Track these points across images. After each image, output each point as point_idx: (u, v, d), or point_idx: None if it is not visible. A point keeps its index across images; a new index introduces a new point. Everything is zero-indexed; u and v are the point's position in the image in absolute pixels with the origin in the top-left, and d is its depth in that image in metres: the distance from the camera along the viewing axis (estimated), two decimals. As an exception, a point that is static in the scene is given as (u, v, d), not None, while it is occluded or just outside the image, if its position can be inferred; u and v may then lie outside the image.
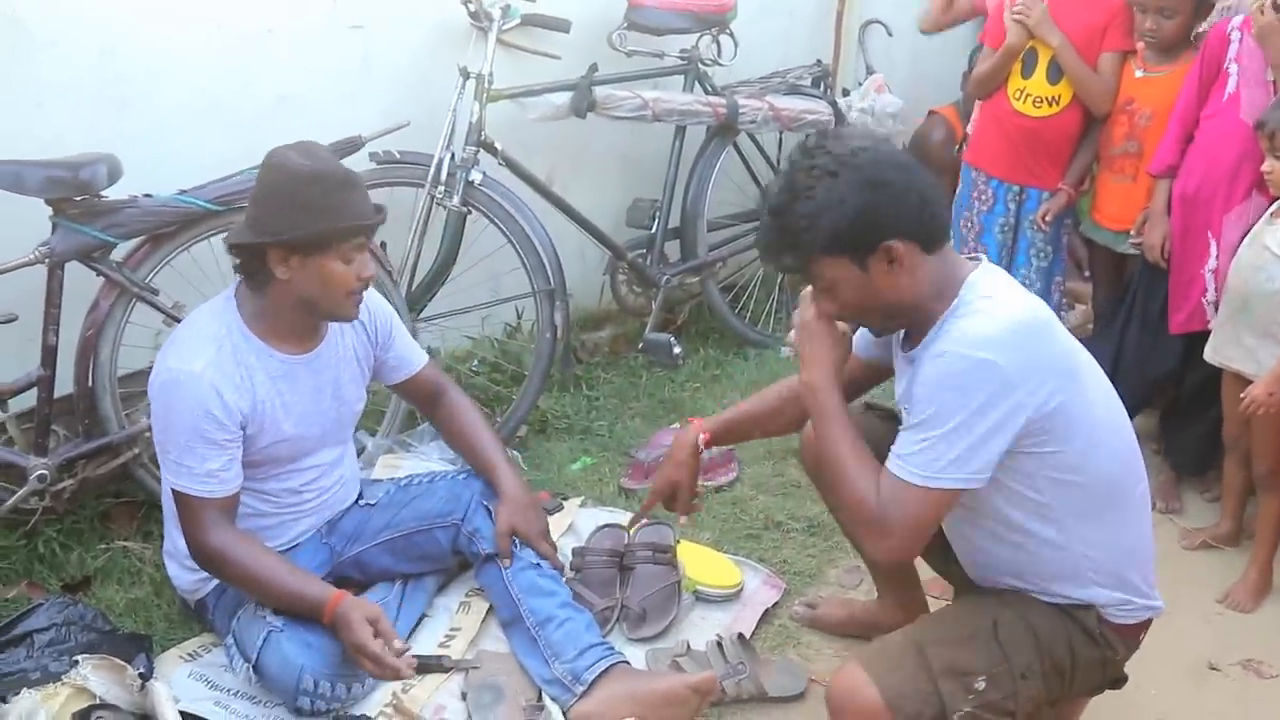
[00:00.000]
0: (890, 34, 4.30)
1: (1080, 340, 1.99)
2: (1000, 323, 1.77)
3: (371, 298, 2.35)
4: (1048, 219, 3.33)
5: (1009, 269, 3.36)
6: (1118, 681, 2.07)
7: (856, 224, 1.76)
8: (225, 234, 2.27)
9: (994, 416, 1.73)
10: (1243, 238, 2.73)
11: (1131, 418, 3.21)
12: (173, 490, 2.14)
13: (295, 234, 2.05)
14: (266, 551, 2.19)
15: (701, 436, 2.32)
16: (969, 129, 3.77)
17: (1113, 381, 3.09)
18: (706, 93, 3.74)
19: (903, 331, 1.97)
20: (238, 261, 2.16)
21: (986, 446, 1.75)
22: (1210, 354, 2.79)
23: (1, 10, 2.59)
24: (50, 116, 2.69)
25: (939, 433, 1.75)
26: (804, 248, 1.82)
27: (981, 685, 1.85)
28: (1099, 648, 1.95)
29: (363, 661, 2.07)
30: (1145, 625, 2.00)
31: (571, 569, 2.59)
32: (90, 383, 2.62)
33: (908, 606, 2.43)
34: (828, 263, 1.82)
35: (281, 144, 2.16)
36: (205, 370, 2.08)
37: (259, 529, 2.27)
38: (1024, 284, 3.26)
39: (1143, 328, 3.09)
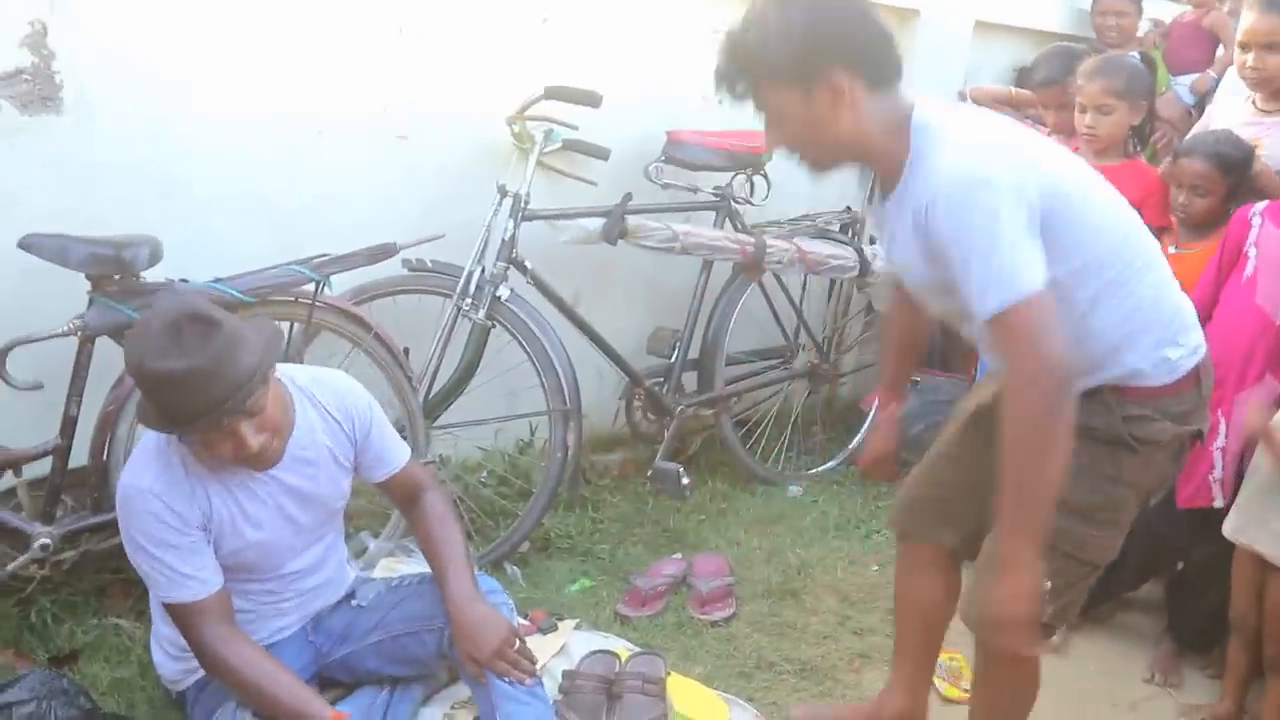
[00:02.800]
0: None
1: None
2: (971, 145, 1.86)
3: (351, 393, 2.32)
4: None
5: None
6: (1197, 436, 2.11)
7: (801, 50, 1.82)
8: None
9: (1019, 214, 1.80)
10: None
11: (1137, 588, 3.24)
12: (166, 606, 2.13)
13: (144, 422, 2.04)
14: (267, 658, 2.15)
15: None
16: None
17: (1111, 564, 3.09)
18: (736, 230, 3.82)
19: (873, 186, 2.14)
20: None
21: (1031, 239, 1.81)
22: (1230, 532, 2.76)
23: (70, 89, 2.71)
24: (100, 194, 2.79)
25: (989, 258, 1.79)
26: (752, 73, 1.87)
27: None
28: (1147, 421, 2.02)
29: None
30: (1194, 375, 2.05)
31: (560, 691, 2.56)
32: (105, 456, 2.64)
33: (915, 690, 2.53)
34: (774, 90, 1.87)
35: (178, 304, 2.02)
36: (153, 484, 2.07)
37: (239, 622, 2.23)
38: None
39: (1151, 499, 3.09)
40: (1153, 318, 2.02)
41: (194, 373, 1.91)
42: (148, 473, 2.08)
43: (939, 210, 1.83)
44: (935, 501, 2.39)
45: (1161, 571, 3.24)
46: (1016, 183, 1.82)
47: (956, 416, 2.43)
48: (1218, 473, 2.88)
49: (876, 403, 2.65)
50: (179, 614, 2.11)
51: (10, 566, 2.56)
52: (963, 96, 4.61)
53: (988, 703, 2.32)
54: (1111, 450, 2.04)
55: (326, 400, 2.28)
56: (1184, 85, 4.65)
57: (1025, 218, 1.81)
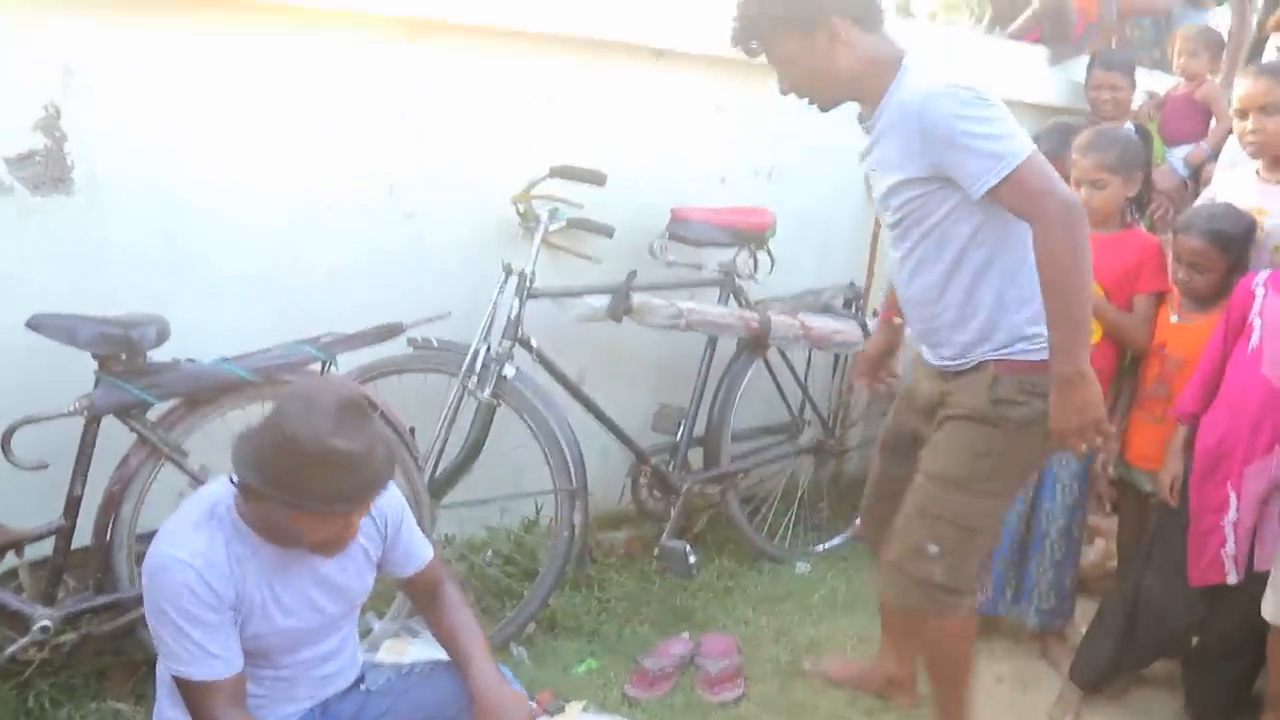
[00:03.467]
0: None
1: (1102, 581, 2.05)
2: (951, 73, 2.33)
3: (384, 490, 2.31)
4: (1107, 468, 3.33)
5: (1035, 502, 3.36)
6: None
7: (800, 2, 2.33)
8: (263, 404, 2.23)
9: (995, 104, 2.31)
10: (1265, 490, 2.73)
11: (1150, 664, 3.20)
12: (179, 681, 2.07)
13: (281, 495, 1.96)
14: None
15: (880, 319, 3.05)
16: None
17: (1129, 626, 3.06)
18: (741, 306, 3.84)
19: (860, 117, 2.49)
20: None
21: (1000, 119, 2.29)
22: (1272, 614, 2.74)
23: (82, 170, 2.74)
24: (110, 273, 2.81)
25: (981, 132, 2.26)
26: (762, 27, 2.37)
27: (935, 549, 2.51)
28: (1015, 405, 2.45)
29: None
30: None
31: (567, 775, 2.52)
32: (108, 537, 2.63)
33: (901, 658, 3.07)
34: (781, 39, 2.37)
35: (319, 384, 2.13)
36: (193, 558, 2.02)
37: (249, 707, 2.17)
38: (1047, 518, 3.31)
39: (1161, 574, 3.05)
40: (1031, 293, 2.36)
41: (361, 458, 1.95)
42: (188, 545, 2.04)
43: (932, 110, 2.27)
44: (884, 514, 2.74)
45: (1176, 648, 3.19)
46: (970, 87, 2.30)
47: (881, 444, 2.94)
48: (1230, 548, 2.85)
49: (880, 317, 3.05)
50: (193, 692, 2.05)
51: (9, 650, 2.52)
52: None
53: (930, 676, 2.84)
54: (979, 427, 2.49)
55: None
56: (1179, 157, 4.71)
57: (988, 105, 2.29)
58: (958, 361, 2.55)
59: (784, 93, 2.47)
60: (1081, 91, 4.74)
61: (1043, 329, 2.37)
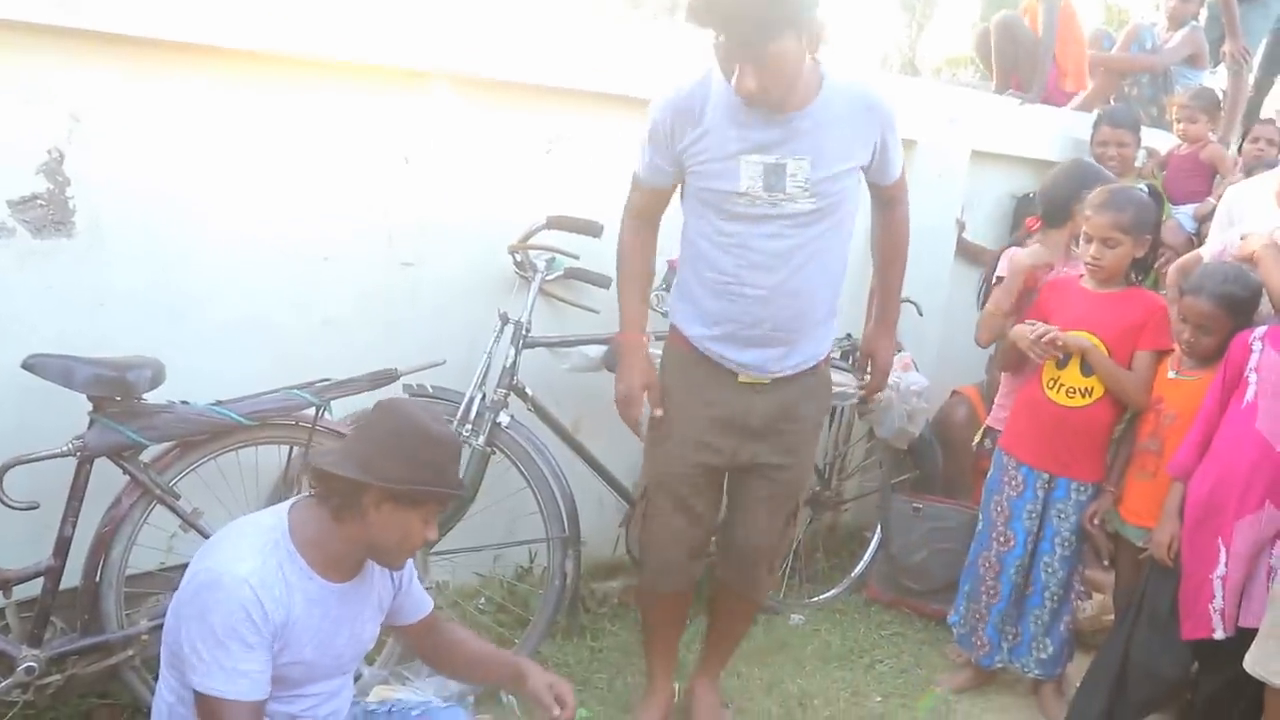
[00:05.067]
0: (921, 314, 4.43)
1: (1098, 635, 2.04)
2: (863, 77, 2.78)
3: None
4: (1095, 521, 3.33)
5: (1034, 555, 3.36)
6: None
7: (806, 4, 2.49)
8: (313, 458, 2.26)
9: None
10: (1254, 546, 2.71)
11: (1142, 719, 3.17)
12: (201, 697, 2.05)
13: (407, 487, 2.09)
14: None
15: (644, 341, 2.94)
16: (991, 410, 3.85)
17: (1121, 680, 3.03)
18: (737, 358, 3.84)
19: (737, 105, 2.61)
20: (321, 487, 2.16)
21: None
22: (1252, 665, 2.71)
23: (83, 214, 2.78)
24: (108, 317, 2.83)
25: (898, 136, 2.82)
26: (777, 22, 2.42)
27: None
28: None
29: None
30: None
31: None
32: (98, 578, 2.63)
33: None
34: (785, 36, 2.43)
35: (397, 396, 2.47)
36: (250, 576, 2.05)
37: None
38: (1046, 571, 3.31)
39: (1151, 627, 3.03)
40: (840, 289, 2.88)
41: (456, 445, 2.23)
42: (248, 563, 2.06)
43: (882, 98, 2.73)
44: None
45: (1167, 702, 3.17)
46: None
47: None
48: (1218, 602, 2.83)
49: (630, 342, 2.94)
50: (214, 712, 2.04)
51: (-6, 691, 2.52)
52: (960, 226, 4.69)
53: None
54: (819, 426, 3.06)
55: None
56: (1185, 213, 4.74)
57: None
58: (802, 363, 2.84)
59: (747, 92, 2.49)
60: (1085, 148, 4.79)
61: None
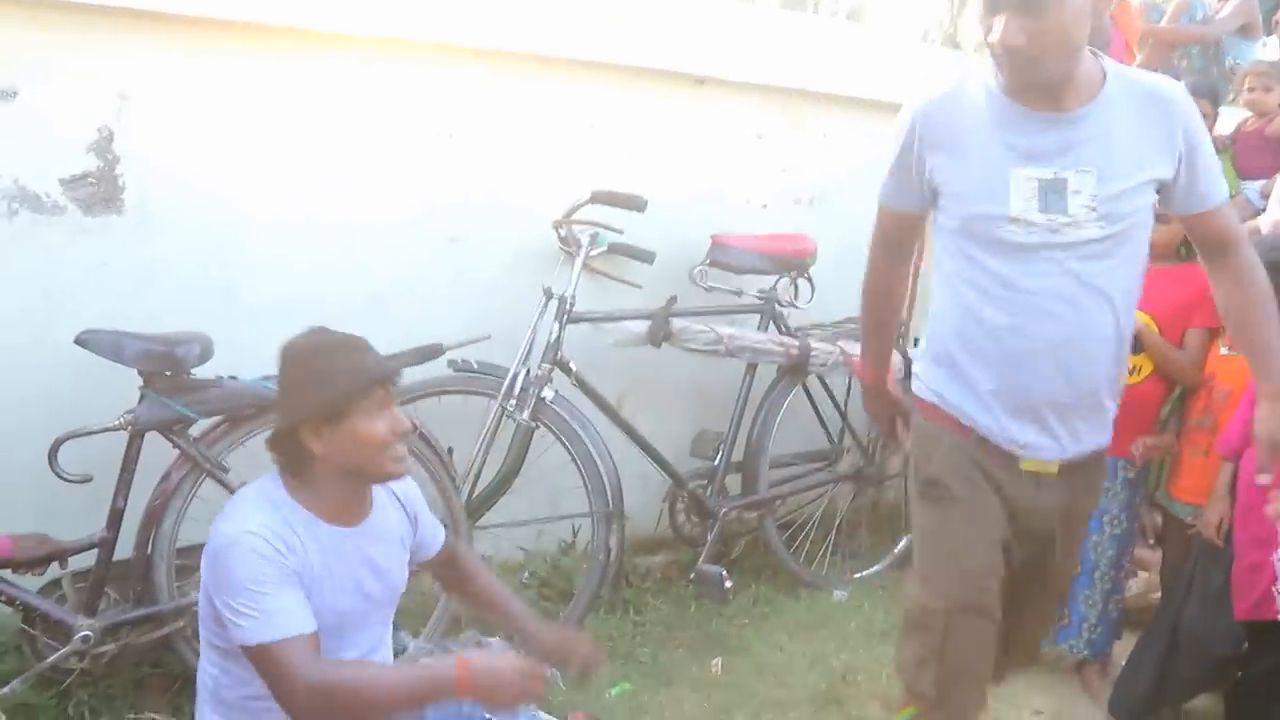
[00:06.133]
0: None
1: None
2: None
3: (401, 481, 2.34)
4: (1140, 450, 3.27)
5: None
6: None
7: None
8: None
9: None
10: None
11: (1192, 698, 3.14)
12: (256, 655, 2.02)
13: (318, 403, 2.06)
14: (364, 664, 2.16)
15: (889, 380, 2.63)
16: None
17: (1170, 658, 2.99)
18: (781, 333, 3.84)
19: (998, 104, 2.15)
20: (279, 457, 2.16)
21: None
22: None
23: (132, 192, 2.82)
24: (157, 293, 2.87)
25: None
26: None
27: None
28: None
29: (528, 685, 1.97)
30: None
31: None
32: (149, 550, 2.67)
33: None
34: None
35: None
36: (259, 528, 2.05)
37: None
38: (1095, 551, 3.31)
39: (1202, 604, 2.99)
40: None
41: (354, 340, 2.13)
42: (252, 519, 2.07)
43: (1187, 103, 2.14)
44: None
45: (1218, 681, 3.13)
46: None
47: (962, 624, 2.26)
48: None
49: (872, 383, 2.67)
50: (271, 658, 2.00)
51: (51, 659, 2.57)
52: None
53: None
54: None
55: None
56: (1253, 189, 4.65)
57: None
58: (1096, 445, 2.28)
59: (1011, 46, 1.98)
60: None
61: None
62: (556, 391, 3.27)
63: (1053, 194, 2.07)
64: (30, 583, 2.64)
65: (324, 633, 2.18)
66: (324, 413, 2.08)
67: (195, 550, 2.72)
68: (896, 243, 2.43)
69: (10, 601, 2.58)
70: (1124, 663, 3.23)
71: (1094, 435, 2.26)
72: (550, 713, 2.44)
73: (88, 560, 2.65)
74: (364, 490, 2.24)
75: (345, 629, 2.23)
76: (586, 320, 3.40)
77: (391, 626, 2.47)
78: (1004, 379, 2.18)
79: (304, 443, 2.10)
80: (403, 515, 2.35)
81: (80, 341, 2.57)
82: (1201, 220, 2.19)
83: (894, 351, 2.72)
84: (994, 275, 2.14)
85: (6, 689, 2.54)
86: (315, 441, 2.09)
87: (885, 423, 2.67)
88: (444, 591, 2.66)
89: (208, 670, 2.20)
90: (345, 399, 2.08)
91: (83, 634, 2.59)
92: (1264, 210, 4.50)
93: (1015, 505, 2.25)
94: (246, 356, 2.82)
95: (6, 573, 2.58)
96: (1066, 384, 2.16)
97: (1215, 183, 2.16)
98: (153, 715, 2.69)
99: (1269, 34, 5.88)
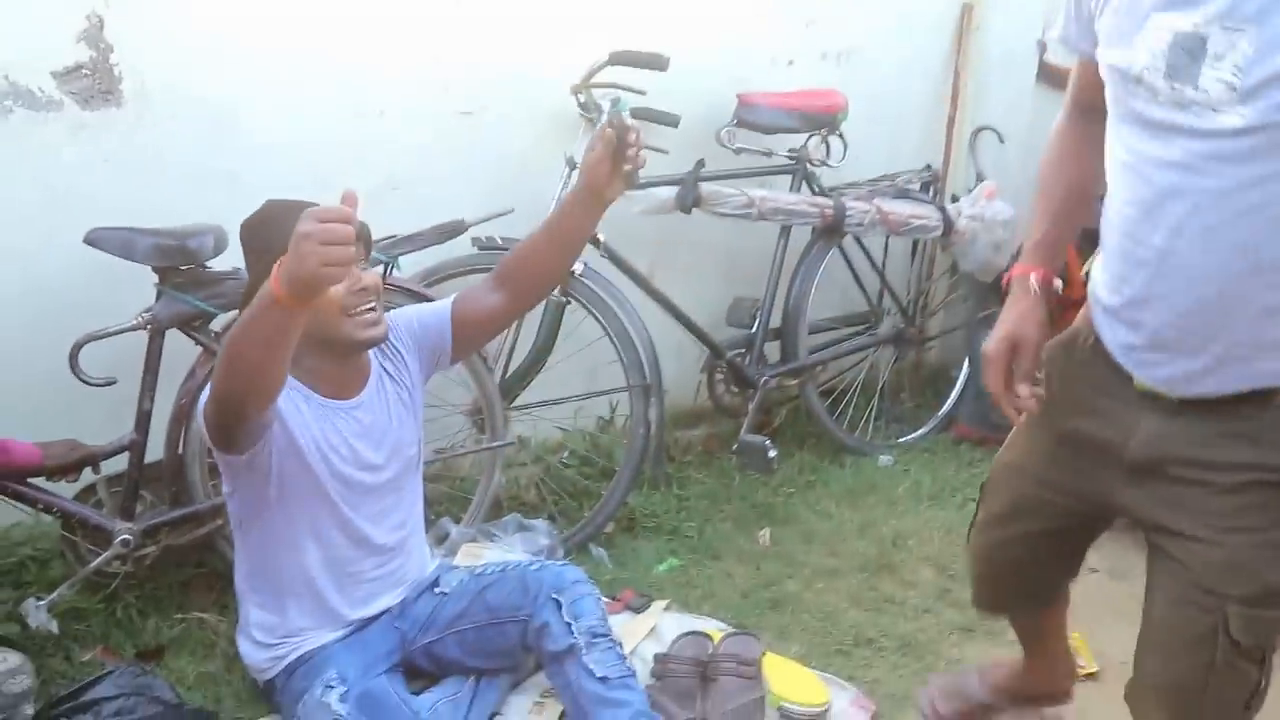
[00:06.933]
0: (1002, 141, 4.20)
1: None
2: None
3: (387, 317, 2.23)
4: None
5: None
6: None
7: None
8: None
9: None
10: None
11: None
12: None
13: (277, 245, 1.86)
14: None
15: (1036, 277, 1.86)
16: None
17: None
18: (814, 193, 3.70)
19: None
20: None
21: None
22: None
23: (130, 81, 2.69)
24: (165, 185, 2.76)
25: None
26: None
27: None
28: None
29: (306, 248, 1.61)
30: None
31: (652, 675, 2.48)
32: (180, 450, 2.62)
33: (1055, 667, 2.33)
34: None
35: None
36: None
37: (327, 586, 2.23)
38: None
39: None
40: None
41: (302, 204, 1.90)
42: None
43: None
44: (1009, 582, 2.13)
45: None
46: None
47: (1001, 481, 2.04)
48: None
49: (1032, 275, 1.89)
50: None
51: (95, 563, 2.56)
52: (1042, 47, 4.38)
53: None
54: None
55: None
56: None
57: None
58: (1238, 382, 1.59)
59: None
60: None
61: None
62: (585, 264, 3.16)
63: (1185, 53, 1.49)
64: (66, 490, 2.60)
65: (339, 500, 2.19)
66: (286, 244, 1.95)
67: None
68: (1086, 98, 1.80)
69: (48, 509, 2.56)
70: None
71: (1233, 373, 1.60)
72: (600, 591, 2.39)
73: (121, 464, 2.61)
74: (351, 361, 2.19)
75: (358, 498, 2.23)
76: (612, 189, 3.27)
77: (423, 519, 2.43)
78: (1127, 280, 1.65)
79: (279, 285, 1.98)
80: (396, 361, 2.29)
81: (90, 241, 2.48)
82: None
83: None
84: (1126, 146, 1.62)
85: (55, 594, 2.53)
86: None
87: (999, 335, 1.84)
88: (519, 306, 2.42)
89: (240, 563, 2.22)
90: None
91: (122, 538, 2.56)
92: None
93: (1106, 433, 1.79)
94: (263, 246, 2.73)
95: (41, 481, 2.55)
96: (1173, 310, 1.59)
97: None
98: (200, 614, 2.68)
99: None
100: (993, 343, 1.85)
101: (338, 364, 2.16)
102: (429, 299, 2.81)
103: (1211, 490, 1.61)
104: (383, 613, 2.34)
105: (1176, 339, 1.60)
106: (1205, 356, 1.58)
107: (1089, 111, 1.77)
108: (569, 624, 2.19)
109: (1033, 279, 1.87)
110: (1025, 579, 2.09)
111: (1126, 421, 1.71)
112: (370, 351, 2.24)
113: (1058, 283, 1.90)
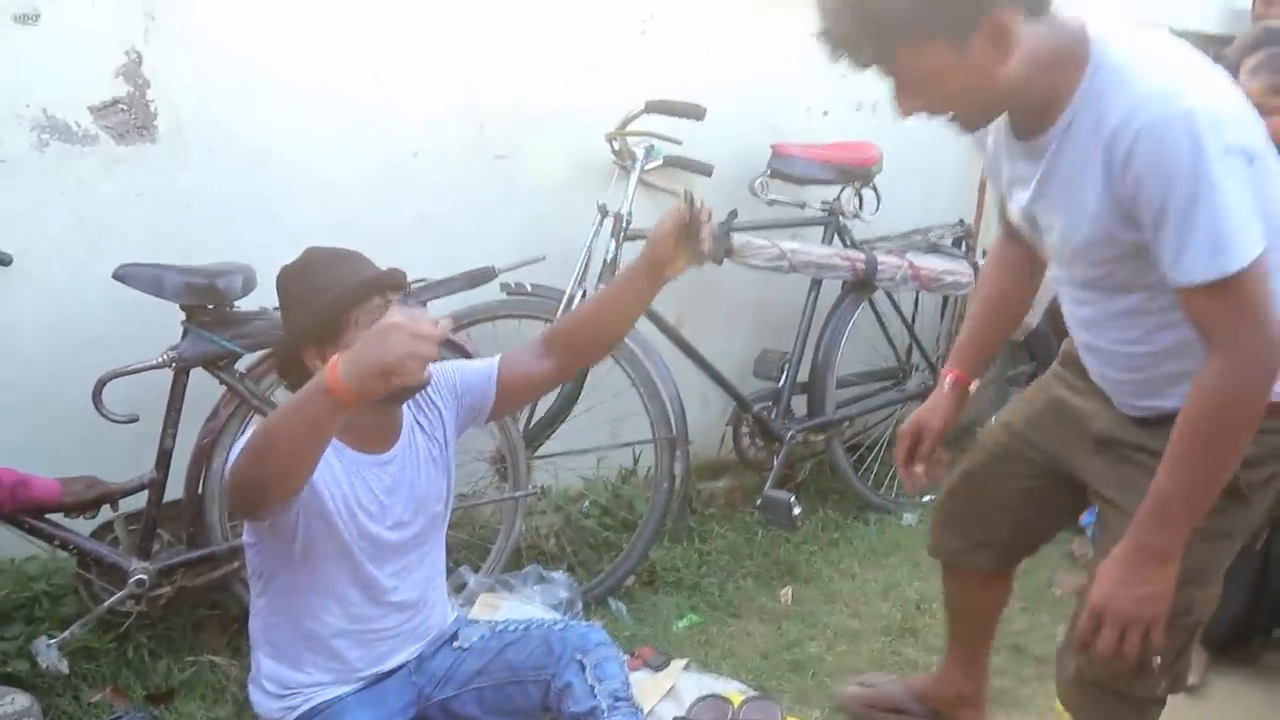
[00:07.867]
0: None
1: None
2: (1178, 75, 1.55)
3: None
4: None
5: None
6: None
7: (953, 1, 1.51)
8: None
9: (1240, 161, 1.52)
10: None
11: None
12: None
13: (311, 320, 1.97)
14: None
15: (949, 378, 2.20)
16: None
17: (1260, 582, 2.85)
18: (846, 246, 3.66)
19: (1002, 120, 1.76)
20: (291, 388, 2.08)
21: (1251, 193, 1.53)
22: None
23: (165, 117, 2.69)
24: (196, 222, 2.76)
25: (1215, 211, 1.51)
26: (887, 35, 1.53)
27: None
28: (1258, 465, 1.79)
29: (396, 337, 1.59)
30: None
31: (670, 737, 2.43)
32: (200, 490, 2.60)
33: (971, 672, 2.56)
34: (920, 51, 1.53)
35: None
36: None
37: (340, 643, 2.17)
38: None
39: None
40: None
41: (344, 252, 2.08)
42: None
43: (1143, 149, 1.52)
44: (974, 522, 2.32)
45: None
46: (1235, 119, 1.54)
47: (989, 434, 2.31)
48: None
49: (948, 377, 2.21)
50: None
51: (108, 602, 2.52)
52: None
53: None
54: (1225, 504, 1.74)
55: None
56: None
57: (1244, 165, 1.52)
58: (1150, 409, 1.87)
59: (906, 115, 1.70)
60: (1245, 18, 4.36)
61: None
62: (614, 314, 3.12)
63: (1028, 223, 1.84)
64: (83, 526, 2.57)
65: (363, 559, 2.12)
66: (319, 330, 1.97)
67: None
68: (1004, 227, 2.13)
69: (64, 545, 2.53)
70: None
71: (1153, 403, 1.87)
72: (618, 647, 2.33)
73: (139, 502, 2.58)
74: (387, 413, 2.12)
75: (383, 556, 2.16)
76: (643, 237, 3.18)
77: (444, 571, 2.37)
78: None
79: (309, 368, 1.98)
80: (431, 417, 2.22)
81: (119, 276, 2.46)
82: (1184, 294, 1.62)
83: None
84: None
85: (66, 633, 2.50)
86: (319, 363, 1.97)
87: (912, 420, 2.22)
88: (566, 373, 2.34)
89: (256, 613, 2.16)
90: (337, 311, 1.97)
91: (137, 577, 2.52)
92: None
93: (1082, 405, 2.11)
94: (291, 287, 2.71)
95: (58, 516, 2.51)
96: (1103, 381, 1.96)
97: (1184, 251, 1.55)
98: (212, 657, 2.64)
99: None
100: (906, 425, 2.22)
101: (373, 415, 2.10)
102: (457, 343, 2.78)
103: (1148, 473, 1.75)
104: (400, 666, 2.29)
105: (1108, 387, 1.95)
106: (1129, 398, 1.91)
107: (1015, 236, 2.04)
108: (592, 686, 2.13)
109: (947, 380, 2.20)
110: (989, 523, 2.28)
111: (1097, 403, 2.00)
112: (405, 404, 2.20)
113: (974, 385, 2.23)
